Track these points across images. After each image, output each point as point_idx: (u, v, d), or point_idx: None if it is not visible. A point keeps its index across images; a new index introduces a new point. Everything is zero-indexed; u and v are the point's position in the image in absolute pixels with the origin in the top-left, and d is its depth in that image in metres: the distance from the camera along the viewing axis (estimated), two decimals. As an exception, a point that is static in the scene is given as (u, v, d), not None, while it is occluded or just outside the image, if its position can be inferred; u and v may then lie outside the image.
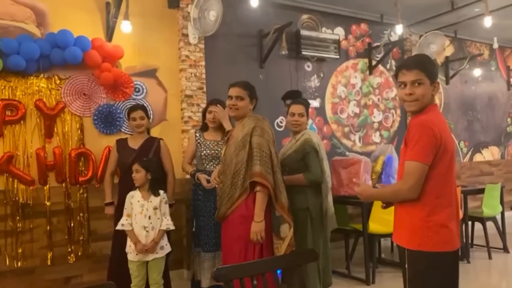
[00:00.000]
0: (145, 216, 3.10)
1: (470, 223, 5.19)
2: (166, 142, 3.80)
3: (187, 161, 3.75)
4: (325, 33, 5.80)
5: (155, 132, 4.21)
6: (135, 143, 3.63)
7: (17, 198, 3.77)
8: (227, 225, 2.74)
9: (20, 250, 3.73)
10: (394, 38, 6.43)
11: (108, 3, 4.23)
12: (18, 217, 3.75)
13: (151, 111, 4.35)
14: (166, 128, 4.48)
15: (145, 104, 4.19)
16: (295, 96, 3.88)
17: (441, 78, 7.16)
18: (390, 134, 6.49)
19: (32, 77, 3.88)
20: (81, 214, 3.95)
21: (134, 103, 4.13)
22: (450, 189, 1.92)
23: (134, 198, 3.15)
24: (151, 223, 3.09)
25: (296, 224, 2.95)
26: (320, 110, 5.84)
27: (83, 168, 4.02)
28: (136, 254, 3.07)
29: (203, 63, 4.71)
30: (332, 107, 5.96)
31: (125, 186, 3.39)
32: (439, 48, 6.43)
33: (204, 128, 3.73)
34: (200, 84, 4.67)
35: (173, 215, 3.40)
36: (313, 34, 5.60)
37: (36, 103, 3.88)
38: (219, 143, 3.57)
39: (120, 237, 3.24)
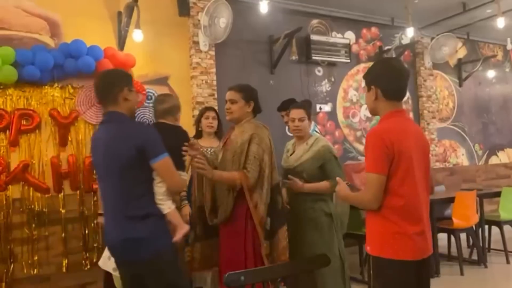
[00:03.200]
0: None
1: (486, 227, 5.10)
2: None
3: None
4: (336, 38, 5.79)
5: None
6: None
7: (32, 206, 3.83)
8: (226, 233, 2.68)
9: (36, 258, 3.78)
10: (405, 41, 6.39)
11: (119, 12, 4.30)
12: (33, 225, 3.81)
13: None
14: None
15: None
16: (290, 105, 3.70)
17: (454, 80, 7.09)
18: (403, 137, 6.43)
19: (46, 87, 3.95)
20: (95, 221, 3.99)
21: (149, 113, 4.11)
22: (412, 196, 1.89)
23: None
24: None
25: (322, 230, 2.94)
26: (332, 115, 5.82)
27: (96, 176, 4.06)
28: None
29: (214, 70, 4.74)
30: (343, 111, 5.94)
31: None
32: (451, 50, 6.38)
33: (198, 135, 3.73)
34: (211, 91, 4.70)
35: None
36: (323, 38, 5.60)
37: (51, 112, 3.94)
38: (215, 149, 3.57)
39: None
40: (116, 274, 2.90)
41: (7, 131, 3.80)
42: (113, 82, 2.19)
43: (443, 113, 6.90)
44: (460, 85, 7.11)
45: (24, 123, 3.86)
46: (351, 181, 4.55)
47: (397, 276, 1.88)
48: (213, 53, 4.77)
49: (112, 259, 2.43)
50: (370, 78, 2.03)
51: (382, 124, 1.97)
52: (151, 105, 4.41)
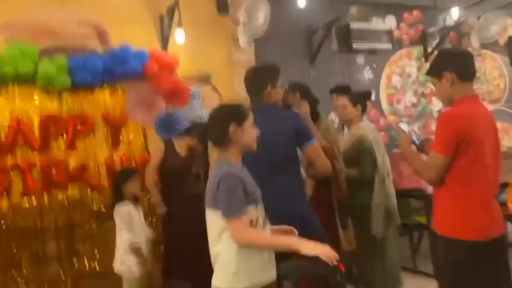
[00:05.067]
0: (142, 226, 3.19)
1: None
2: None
3: None
4: (376, 24, 5.68)
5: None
6: (181, 150, 3.71)
7: (91, 205, 4.06)
8: None
9: (97, 254, 4.01)
10: (449, 22, 6.15)
11: (162, 15, 4.43)
12: (93, 223, 4.04)
13: (207, 115, 4.49)
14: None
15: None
16: (340, 90, 3.66)
17: (504, 59, 6.75)
18: (451, 122, 6.23)
19: (97, 91, 4.16)
20: (149, 218, 4.16)
21: (194, 112, 4.19)
22: (481, 180, 1.96)
23: (132, 213, 3.14)
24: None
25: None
26: (375, 102, 5.73)
27: (148, 174, 4.24)
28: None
29: (254, 65, 4.79)
30: (387, 98, 5.84)
31: (173, 192, 3.53)
32: (501, 28, 6.07)
33: None
34: (252, 86, 4.75)
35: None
36: (363, 26, 5.52)
37: (103, 116, 4.15)
38: None
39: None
40: (130, 275, 2.99)
41: (64, 136, 4.04)
42: (260, 79, 2.42)
43: (494, 95, 6.60)
44: (512, 64, 6.76)
45: (79, 127, 4.08)
46: (398, 170, 4.47)
47: (466, 256, 1.94)
48: (252, 48, 4.83)
49: (127, 263, 2.73)
50: (441, 65, 2.10)
51: (456, 108, 2.05)
52: (195, 104, 4.54)
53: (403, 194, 4.36)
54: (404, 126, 5.06)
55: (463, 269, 1.95)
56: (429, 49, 6.03)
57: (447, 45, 6.15)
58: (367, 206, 3.07)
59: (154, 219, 4.17)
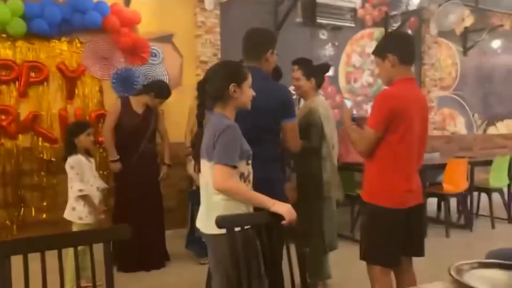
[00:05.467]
0: (95, 177, 3.25)
1: (476, 194, 5.28)
2: (181, 107, 3.98)
3: (189, 130, 3.83)
4: (342, 1, 5.77)
5: (171, 97, 4.36)
6: (138, 107, 3.74)
7: (41, 155, 4.04)
8: None
9: (45, 203, 4.03)
10: (412, 7, 6.35)
11: (126, -32, 4.32)
12: (43, 173, 4.03)
13: (167, 76, 4.51)
14: (181, 93, 4.64)
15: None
16: (296, 62, 3.70)
17: (458, 49, 7.08)
18: (403, 104, 6.52)
19: (54, 41, 4.06)
20: (100, 172, 4.19)
21: (158, 81, 4.09)
22: (407, 154, 2.15)
23: (83, 163, 3.16)
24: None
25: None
26: (333, 79, 5.90)
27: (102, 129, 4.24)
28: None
29: (218, 29, 4.81)
30: (346, 76, 6.01)
31: (127, 147, 3.61)
32: (458, 18, 6.35)
33: None
34: (215, 51, 4.78)
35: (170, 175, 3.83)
36: (329, 1, 5.59)
37: (59, 66, 4.08)
38: None
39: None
40: (80, 222, 3.10)
41: (16, 83, 3.95)
42: (262, 43, 2.34)
43: (445, 82, 6.95)
44: (465, 54, 7.10)
45: (33, 75, 4.00)
46: (346, 145, 4.69)
47: (386, 221, 2.16)
48: (218, 12, 4.82)
49: (77, 210, 2.88)
50: (386, 47, 2.23)
51: (392, 88, 2.19)
52: (155, 62, 4.53)
53: (348, 168, 4.61)
54: (348, 103, 5.26)
55: (380, 232, 2.17)
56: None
57: (408, 29, 6.37)
58: (313, 172, 3.24)
59: (106, 172, 4.22)
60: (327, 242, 3.22)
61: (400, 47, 2.19)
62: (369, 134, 2.14)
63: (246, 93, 1.95)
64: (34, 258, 1.35)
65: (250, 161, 1.93)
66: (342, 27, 5.79)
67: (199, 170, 1.96)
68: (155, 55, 4.54)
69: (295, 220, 1.80)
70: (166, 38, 4.61)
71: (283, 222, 1.78)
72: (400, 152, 2.12)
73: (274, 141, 2.37)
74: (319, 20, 5.51)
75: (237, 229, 1.73)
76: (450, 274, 1.21)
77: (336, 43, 5.89)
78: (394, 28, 6.26)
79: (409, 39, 2.28)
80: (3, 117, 3.89)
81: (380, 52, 2.25)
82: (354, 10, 5.76)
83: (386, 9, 6.23)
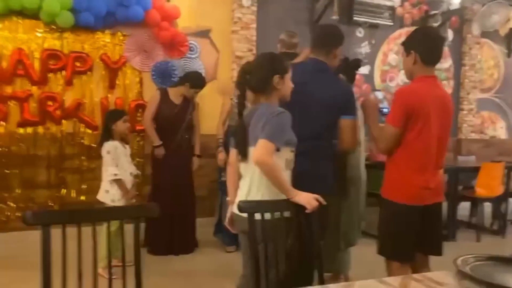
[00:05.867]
0: (129, 163, 3.42)
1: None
2: (215, 100, 4.12)
3: (222, 122, 3.91)
4: (381, -1, 5.72)
5: (205, 90, 4.50)
6: (176, 98, 3.92)
7: (83, 141, 4.29)
8: None
9: (84, 186, 4.28)
10: (454, 6, 6.19)
11: (168, -35, 4.49)
12: (83, 157, 4.28)
13: (203, 70, 4.66)
14: (216, 87, 4.77)
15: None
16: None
17: (502, 51, 6.84)
18: (440, 105, 6.39)
19: (98, 33, 4.29)
20: (137, 159, 4.40)
21: (196, 73, 4.19)
22: (424, 152, 2.15)
23: (118, 149, 3.33)
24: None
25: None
26: (369, 78, 5.87)
27: (141, 118, 4.44)
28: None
29: (254, 25, 4.91)
30: (381, 75, 5.97)
31: (165, 136, 3.79)
32: (502, 18, 6.15)
33: None
34: (250, 46, 4.88)
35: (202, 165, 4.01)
36: (367, -1, 5.57)
37: (102, 57, 4.31)
38: None
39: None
40: (112, 204, 3.24)
41: (63, 72, 4.20)
42: (332, 39, 2.40)
43: (486, 84, 6.74)
44: (509, 56, 6.86)
45: (78, 65, 4.24)
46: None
47: (402, 217, 2.18)
48: (255, 8, 4.92)
49: (111, 193, 3.09)
50: (411, 44, 2.25)
51: (410, 86, 2.23)
52: (192, 56, 4.69)
53: (378, 166, 4.59)
54: (379, 95, 5.18)
55: (395, 228, 2.19)
56: (430, 31, 6.10)
57: (448, 28, 6.23)
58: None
59: (141, 159, 4.42)
60: (343, 238, 3.23)
61: (425, 47, 2.19)
62: (388, 130, 2.16)
63: (288, 85, 2.02)
64: (70, 237, 1.47)
65: (294, 149, 1.99)
66: (379, 25, 5.75)
67: (242, 158, 1.98)
68: (193, 49, 4.70)
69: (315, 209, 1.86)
70: (204, 33, 4.76)
71: (306, 211, 1.85)
72: (417, 149, 2.14)
73: (332, 138, 2.37)
74: (356, 18, 5.50)
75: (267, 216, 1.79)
76: (455, 264, 1.25)
77: (373, 41, 5.85)
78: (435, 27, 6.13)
79: (436, 40, 2.26)
80: (50, 103, 4.16)
81: (405, 46, 2.26)
82: (392, 8, 5.70)
83: (426, 8, 6.12)
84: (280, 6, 5.13)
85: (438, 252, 2.28)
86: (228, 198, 2.16)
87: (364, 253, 3.47)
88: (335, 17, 5.28)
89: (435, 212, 2.25)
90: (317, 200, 1.87)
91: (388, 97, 6.01)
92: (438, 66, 6.58)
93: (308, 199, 1.86)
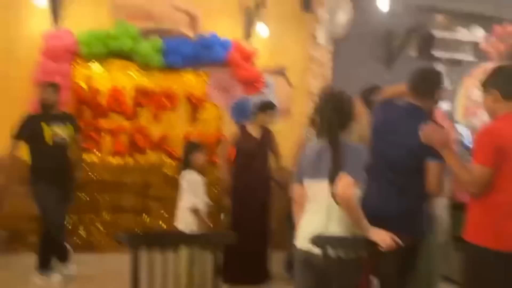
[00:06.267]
0: (204, 193, 3.50)
1: None
2: (289, 135, 4.23)
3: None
4: (462, 34, 5.57)
5: (279, 125, 4.64)
6: (255, 132, 4.08)
7: (166, 171, 4.62)
8: None
9: (165, 214, 4.55)
10: (545, 39, 5.82)
11: (248, 8, 4.81)
12: (165, 186, 4.58)
13: (277, 106, 4.82)
14: (290, 122, 4.90)
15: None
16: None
17: None
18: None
19: (184, 72, 4.67)
20: (214, 190, 4.60)
21: (265, 99, 4.48)
22: (510, 193, 1.98)
23: (196, 179, 3.45)
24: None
25: None
26: (450, 114, 5.65)
27: (219, 151, 4.67)
28: None
29: (329, 63, 5.01)
30: (463, 111, 5.71)
31: (246, 169, 3.92)
32: None
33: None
34: (325, 83, 4.98)
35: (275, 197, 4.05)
36: (447, 35, 5.45)
37: (186, 94, 4.68)
38: None
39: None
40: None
41: (151, 107, 4.61)
42: (434, 83, 2.44)
43: None
44: None
45: (165, 101, 4.63)
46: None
47: (489, 265, 1.99)
48: (330, 47, 5.03)
49: (188, 221, 3.22)
50: (489, 82, 2.17)
51: (495, 123, 2.11)
52: (267, 92, 4.89)
53: (461, 207, 4.33)
54: (462, 129, 4.88)
55: (482, 280, 2.00)
56: (518, 66, 5.77)
57: (540, 63, 5.86)
58: None
59: (216, 190, 4.62)
60: (421, 283, 3.07)
61: (503, 82, 2.10)
62: (480, 171, 2.00)
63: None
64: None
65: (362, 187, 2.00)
66: (461, 61, 5.57)
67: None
68: (268, 86, 4.90)
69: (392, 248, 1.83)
70: (280, 71, 4.96)
71: (380, 248, 1.83)
72: (505, 190, 1.99)
73: (423, 178, 2.31)
74: (436, 54, 5.39)
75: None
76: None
77: (454, 77, 5.66)
78: (523, 61, 5.80)
79: None
80: (139, 136, 4.55)
81: (484, 85, 2.20)
82: (475, 44, 5.51)
83: (513, 42, 5.82)
84: (356, 43, 5.19)
85: None
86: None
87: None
88: (413, 53, 5.24)
89: None
90: (393, 240, 1.84)
91: (471, 133, 5.71)
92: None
93: (383, 237, 1.85)
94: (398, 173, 2.32)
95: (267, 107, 4.11)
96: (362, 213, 1.91)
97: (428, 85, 2.38)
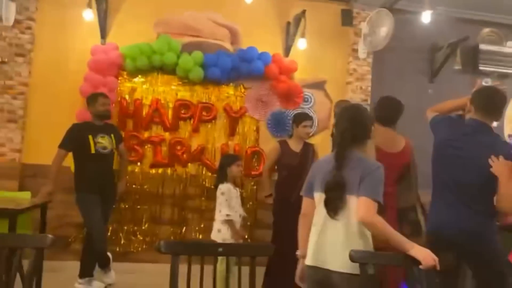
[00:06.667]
0: (239, 206, 3.52)
1: None
2: (329, 149, 4.16)
3: None
4: (510, 48, 5.36)
5: (318, 139, 4.62)
6: (296, 147, 4.05)
7: (204, 183, 4.66)
8: None
9: (202, 225, 4.60)
10: None
11: (288, 23, 4.84)
12: (203, 198, 4.64)
13: (316, 119, 4.80)
14: (328, 135, 4.84)
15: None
16: None
17: None
18: None
19: (223, 85, 4.74)
20: (250, 203, 4.61)
21: (300, 111, 4.50)
22: None
23: (231, 191, 3.48)
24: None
25: None
26: (498, 129, 5.39)
27: (256, 164, 4.69)
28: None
29: (369, 76, 4.95)
30: None
31: (288, 184, 3.88)
32: None
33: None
34: (364, 96, 4.92)
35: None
36: (494, 48, 5.27)
37: (225, 107, 4.73)
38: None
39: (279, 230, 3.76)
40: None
41: (191, 120, 4.69)
42: (503, 101, 2.49)
43: None
44: None
45: (205, 114, 4.70)
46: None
47: None
48: (370, 60, 4.98)
49: (222, 232, 3.28)
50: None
51: None
52: (306, 106, 4.87)
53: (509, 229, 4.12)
54: None
55: None
56: None
57: None
58: None
59: (252, 203, 4.63)
60: None
61: None
62: None
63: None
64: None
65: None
66: (509, 75, 5.35)
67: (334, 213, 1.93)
68: (307, 100, 4.89)
69: (434, 267, 1.77)
70: (319, 85, 4.94)
71: (421, 266, 1.78)
72: None
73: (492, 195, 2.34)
74: (482, 68, 5.21)
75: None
76: None
77: (504, 91, 5.44)
78: None
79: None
80: (178, 147, 4.64)
81: None
82: (524, 57, 5.29)
83: None
84: (397, 56, 5.11)
85: None
86: (298, 252, 2.12)
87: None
88: (457, 67, 5.08)
89: None
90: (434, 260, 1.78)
91: None
92: None
93: (425, 255, 1.79)
94: (466, 191, 2.35)
95: (302, 118, 4.08)
96: (393, 230, 1.86)
97: (497, 103, 2.44)
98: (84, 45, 4.49)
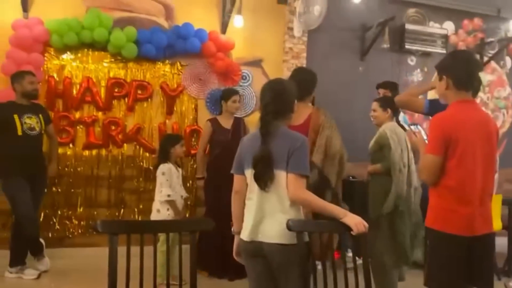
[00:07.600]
0: (180, 186, 3.56)
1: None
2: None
3: None
4: (433, 28, 5.71)
5: (256, 116, 4.64)
6: (226, 123, 4.09)
7: (141, 163, 4.56)
8: None
9: (141, 206, 4.51)
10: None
11: (224, 0, 4.78)
12: (141, 179, 4.54)
13: (255, 97, 4.85)
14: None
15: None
16: (388, 86, 4.01)
17: None
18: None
19: (159, 63, 4.61)
20: (190, 182, 4.59)
21: (228, 87, 4.54)
22: (466, 179, 2.06)
23: (172, 171, 3.50)
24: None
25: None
26: (421, 105, 5.79)
27: (195, 143, 4.66)
28: None
29: (304, 54, 5.05)
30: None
31: (221, 161, 3.90)
32: None
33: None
34: (300, 75, 5.01)
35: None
36: (419, 28, 5.58)
37: (161, 85, 4.61)
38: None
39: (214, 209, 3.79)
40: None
41: (126, 99, 4.53)
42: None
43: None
44: None
45: (140, 92, 4.56)
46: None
47: (446, 247, 2.08)
48: (305, 39, 5.07)
49: (162, 213, 3.29)
50: (442, 68, 2.19)
51: (445, 112, 2.13)
52: (245, 84, 4.90)
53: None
54: (414, 127, 5.09)
55: (439, 259, 2.09)
56: (485, 59, 5.97)
57: (506, 56, 6.07)
58: (378, 191, 3.30)
59: (193, 182, 4.61)
60: (388, 259, 3.17)
61: (458, 71, 2.11)
62: (428, 159, 2.09)
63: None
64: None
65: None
66: (432, 53, 5.70)
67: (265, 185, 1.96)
68: (245, 78, 4.91)
69: (364, 233, 1.90)
70: (256, 63, 4.96)
71: (352, 232, 1.89)
72: (459, 177, 2.05)
73: None
74: (407, 47, 5.50)
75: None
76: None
77: (425, 69, 5.80)
78: (490, 55, 6.00)
79: (470, 62, 2.16)
80: (113, 127, 4.48)
81: (438, 70, 2.21)
82: (445, 37, 5.66)
83: (481, 36, 6.01)
84: (329, 35, 5.25)
85: (489, 287, 2.15)
86: (233, 229, 2.15)
87: (413, 285, 3.38)
88: (385, 45, 5.33)
89: (484, 243, 2.12)
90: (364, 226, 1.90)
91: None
92: (496, 94, 6.32)
93: (356, 222, 1.90)
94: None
95: (230, 94, 4.12)
96: (323, 202, 1.97)
97: (476, 79, 2.32)
98: (4, 18, 4.15)
